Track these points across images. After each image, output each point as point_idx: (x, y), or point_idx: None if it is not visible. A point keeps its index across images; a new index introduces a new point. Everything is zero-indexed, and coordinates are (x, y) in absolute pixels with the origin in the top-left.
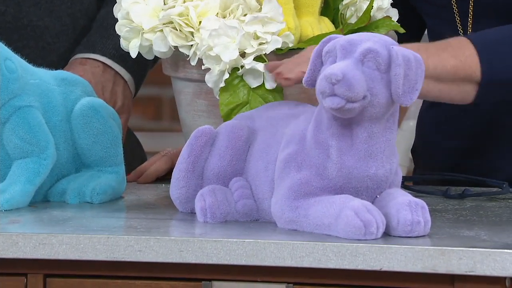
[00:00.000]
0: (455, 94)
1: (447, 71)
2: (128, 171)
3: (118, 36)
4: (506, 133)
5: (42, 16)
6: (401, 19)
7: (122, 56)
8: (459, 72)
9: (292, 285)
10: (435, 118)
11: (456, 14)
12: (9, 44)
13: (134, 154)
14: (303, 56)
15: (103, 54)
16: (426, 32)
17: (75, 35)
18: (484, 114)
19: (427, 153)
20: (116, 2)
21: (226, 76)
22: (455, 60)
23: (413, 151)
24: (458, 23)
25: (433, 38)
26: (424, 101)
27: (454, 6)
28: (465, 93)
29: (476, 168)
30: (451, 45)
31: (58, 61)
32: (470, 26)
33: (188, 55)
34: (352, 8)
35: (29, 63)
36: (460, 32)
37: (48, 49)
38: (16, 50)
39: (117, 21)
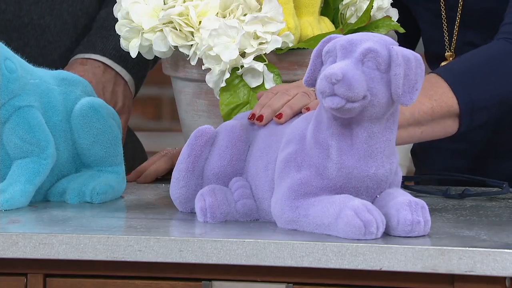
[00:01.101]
0: (438, 131)
1: (425, 113)
2: (128, 171)
3: (119, 37)
4: (505, 134)
5: (43, 14)
6: (398, 22)
7: (122, 57)
8: (437, 112)
9: (292, 285)
10: None
11: (444, 21)
12: (9, 42)
13: (135, 154)
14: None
15: (103, 55)
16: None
17: (76, 34)
18: None
19: (426, 155)
20: (116, 2)
21: (227, 75)
22: (430, 101)
23: (413, 153)
24: (445, 30)
25: (426, 42)
26: None
27: (443, 13)
28: (448, 128)
29: (475, 169)
30: (423, 86)
31: (59, 60)
32: (456, 34)
33: (188, 55)
34: (352, 8)
35: (30, 61)
36: (446, 39)
37: (49, 48)
38: (17, 48)
39: (117, 21)
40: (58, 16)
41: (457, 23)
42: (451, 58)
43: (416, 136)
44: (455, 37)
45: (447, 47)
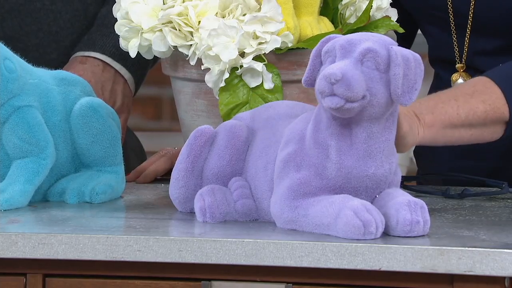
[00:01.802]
0: (486, 136)
1: (478, 117)
2: (128, 172)
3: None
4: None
5: (55, 0)
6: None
7: (122, 55)
8: (489, 116)
9: (291, 285)
10: None
11: (453, 28)
12: (23, 26)
13: (134, 154)
14: None
15: (103, 53)
16: (421, 34)
17: (86, 22)
18: None
19: (428, 154)
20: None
21: (226, 75)
22: (484, 105)
23: (415, 152)
24: (454, 37)
25: (432, 47)
26: None
27: (451, 20)
28: (495, 133)
29: (478, 169)
30: (477, 90)
31: (71, 47)
32: (467, 41)
33: (188, 55)
34: (352, 8)
35: (43, 47)
36: (455, 47)
37: (61, 34)
38: (30, 33)
39: (116, 20)
40: (69, 3)
41: (468, 31)
42: (462, 70)
43: (466, 138)
44: (466, 45)
45: (457, 56)
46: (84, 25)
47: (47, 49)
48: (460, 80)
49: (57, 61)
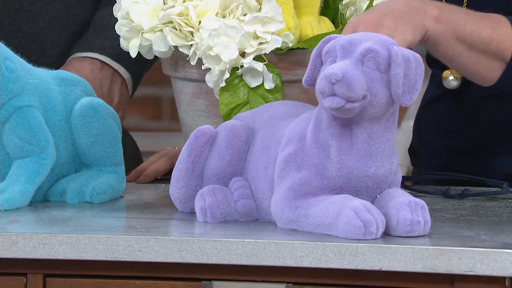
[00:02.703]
0: (482, 68)
1: (482, 39)
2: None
3: (117, 36)
4: (502, 132)
5: (34, 1)
6: None
7: (120, 55)
8: (492, 44)
9: (292, 285)
10: (432, 118)
11: None
12: (1, 28)
13: (132, 155)
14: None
15: (101, 53)
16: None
17: (68, 23)
18: (481, 113)
19: (424, 152)
20: (113, 3)
21: (227, 75)
22: (491, 31)
23: (410, 150)
24: None
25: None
26: (422, 100)
27: None
28: (492, 69)
29: (473, 167)
30: (490, 18)
31: (52, 48)
32: None
33: (188, 55)
34: (352, 8)
35: (22, 48)
36: None
37: (41, 35)
38: (9, 34)
39: (117, 21)
40: (49, 3)
41: None
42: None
43: (463, 57)
44: None
45: None
46: (66, 26)
47: (27, 50)
48: (451, 77)
49: (38, 63)
